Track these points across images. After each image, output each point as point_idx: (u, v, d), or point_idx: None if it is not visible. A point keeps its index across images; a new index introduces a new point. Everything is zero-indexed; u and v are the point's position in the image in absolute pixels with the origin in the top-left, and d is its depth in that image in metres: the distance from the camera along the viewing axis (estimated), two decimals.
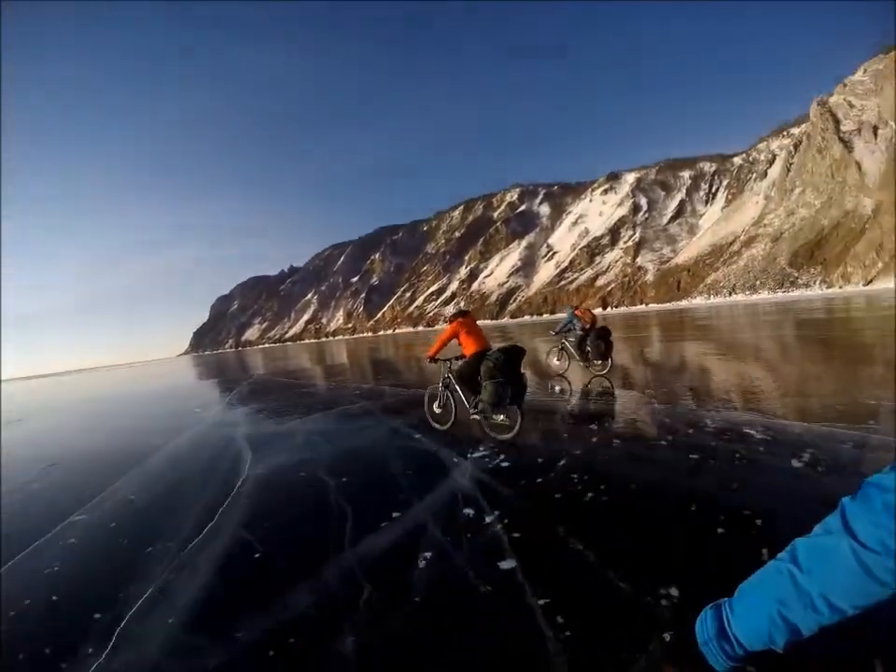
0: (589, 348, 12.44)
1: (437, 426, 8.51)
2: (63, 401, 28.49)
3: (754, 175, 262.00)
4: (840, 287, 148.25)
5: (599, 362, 12.59)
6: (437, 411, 8.62)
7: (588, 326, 12.70)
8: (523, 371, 7.48)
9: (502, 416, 7.37)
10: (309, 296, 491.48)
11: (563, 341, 13.78)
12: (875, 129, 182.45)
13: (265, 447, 9.00)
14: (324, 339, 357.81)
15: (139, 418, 15.71)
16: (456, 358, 8.40)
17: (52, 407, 25.61)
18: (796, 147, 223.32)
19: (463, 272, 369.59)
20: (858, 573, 0.95)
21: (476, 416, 7.80)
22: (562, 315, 14.59)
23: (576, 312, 13.13)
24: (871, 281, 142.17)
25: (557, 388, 11.56)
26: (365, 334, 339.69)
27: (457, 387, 8.14)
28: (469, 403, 7.85)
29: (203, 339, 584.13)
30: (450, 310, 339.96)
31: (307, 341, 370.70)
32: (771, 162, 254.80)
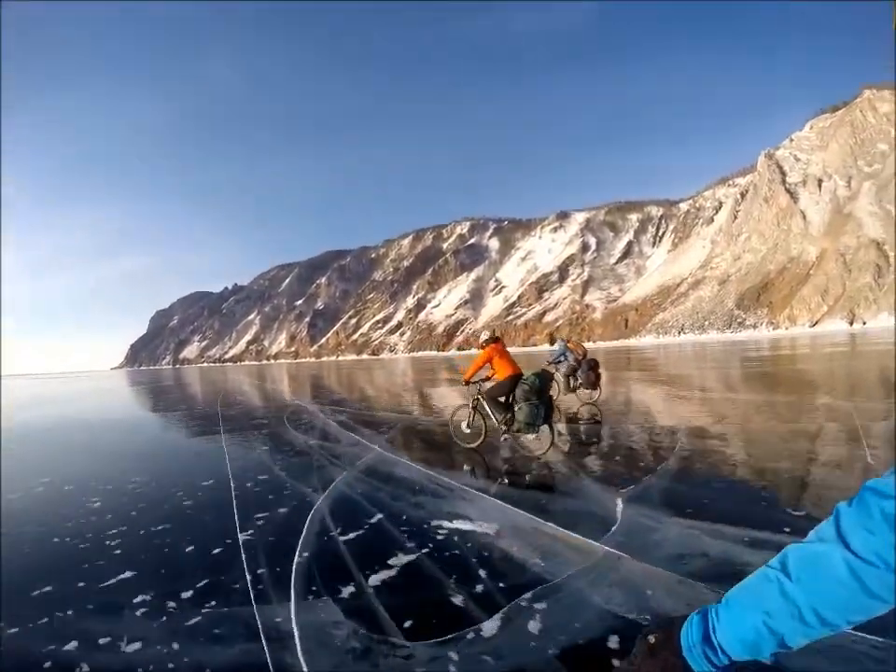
0: (580, 378, 13.23)
1: (464, 445, 8.61)
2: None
3: (700, 220, 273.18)
4: (786, 329, 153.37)
5: (589, 391, 13.34)
6: (465, 431, 8.71)
7: (580, 357, 13.39)
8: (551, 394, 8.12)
9: (534, 435, 7.86)
10: (252, 316, 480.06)
11: (554, 371, 13.83)
12: (820, 182, 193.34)
13: None
14: (265, 362, 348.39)
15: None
16: (483, 380, 8.71)
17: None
18: (742, 195, 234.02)
19: (410, 301, 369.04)
20: (850, 586, 0.87)
21: (507, 436, 8.18)
22: (553, 348, 14.71)
23: (568, 344, 13.75)
24: (816, 323, 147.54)
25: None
26: (308, 359, 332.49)
27: (487, 408, 8.35)
28: (499, 423, 8.14)
29: (139, 353, 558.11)
30: (395, 339, 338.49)
31: (247, 362, 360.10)
32: (717, 209, 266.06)
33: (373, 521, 4.99)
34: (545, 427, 7.70)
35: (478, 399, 8.58)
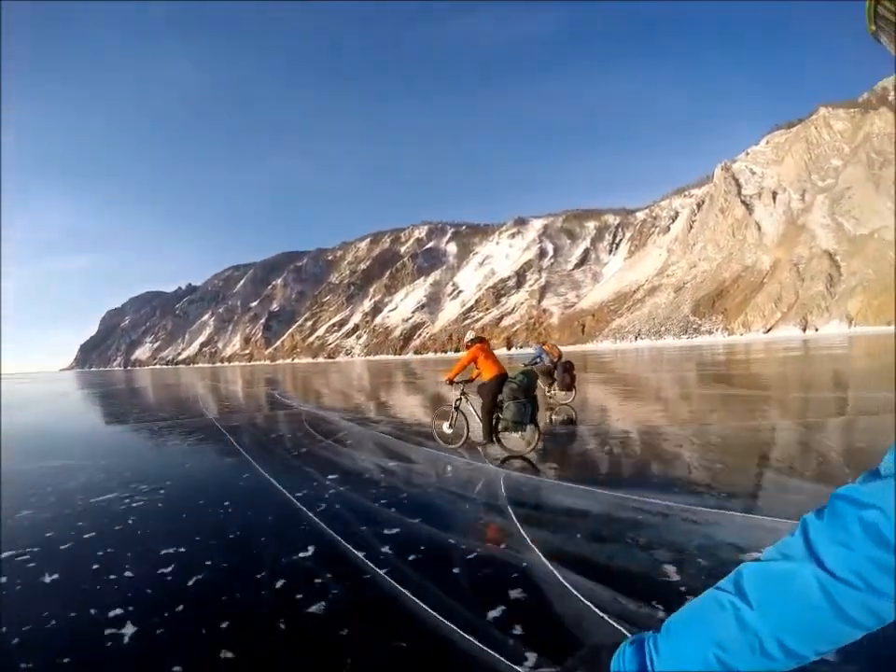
0: (556, 380, 13.64)
1: (445, 445, 8.64)
2: None
3: (657, 229, 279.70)
4: (741, 335, 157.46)
5: (564, 392, 13.64)
6: (447, 431, 8.71)
7: (556, 360, 13.84)
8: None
9: (520, 433, 7.93)
10: (206, 317, 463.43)
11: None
12: (775, 194, 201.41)
13: None
14: (219, 364, 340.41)
15: None
16: (467, 381, 8.77)
17: None
18: (699, 206, 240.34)
19: (367, 304, 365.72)
20: (823, 610, 0.74)
21: (489, 439, 8.11)
22: (529, 351, 16.02)
23: (544, 347, 14.32)
24: (770, 329, 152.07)
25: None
26: (263, 362, 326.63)
27: (472, 408, 8.42)
28: (485, 423, 8.10)
29: (90, 354, 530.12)
30: (352, 342, 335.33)
31: (201, 364, 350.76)
32: (673, 219, 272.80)
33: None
34: (530, 426, 7.82)
35: (461, 399, 8.69)
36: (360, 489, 6.38)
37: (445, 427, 8.69)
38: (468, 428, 8.53)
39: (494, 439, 8.11)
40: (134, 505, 6.20)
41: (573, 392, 13.62)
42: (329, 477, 7.03)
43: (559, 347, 14.71)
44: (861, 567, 0.71)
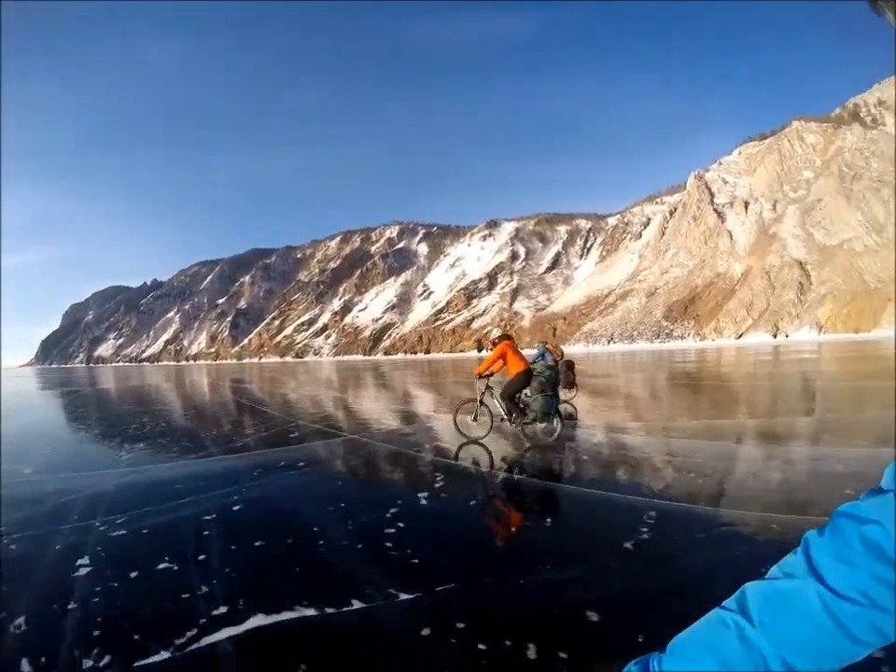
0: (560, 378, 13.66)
1: (468, 437, 8.80)
2: None
3: (629, 235, 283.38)
4: (713, 340, 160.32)
5: (567, 390, 14.00)
6: (472, 423, 9.03)
7: (558, 359, 14.09)
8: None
9: (545, 424, 8.43)
10: (171, 314, 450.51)
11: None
12: (746, 204, 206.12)
13: None
14: (184, 362, 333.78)
15: None
16: (489, 375, 8.99)
17: None
18: (671, 213, 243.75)
19: (336, 303, 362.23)
20: (826, 628, 0.74)
21: (518, 426, 8.54)
22: (532, 351, 15.86)
23: (547, 346, 14.46)
24: (742, 335, 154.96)
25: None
26: (229, 361, 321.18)
27: (497, 401, 8.81)
28: (511, 415, 8.52)
29: (51, 350, 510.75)
30: (320, 342, 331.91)
31: (165, 363, 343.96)
32: (645, 225, 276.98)
33: None
34: (556, 418, 8.29)
35: (485, 392, 9.01)
36: None
37: (469, 420, 9.00)
38: (491, 421, 8.85)
39: (518, 426, 8.46)
40: None
41: (575, 389, 14.33)
42: None
43: (561, 347, 15.18)
44: (864, 584, 0.72)
